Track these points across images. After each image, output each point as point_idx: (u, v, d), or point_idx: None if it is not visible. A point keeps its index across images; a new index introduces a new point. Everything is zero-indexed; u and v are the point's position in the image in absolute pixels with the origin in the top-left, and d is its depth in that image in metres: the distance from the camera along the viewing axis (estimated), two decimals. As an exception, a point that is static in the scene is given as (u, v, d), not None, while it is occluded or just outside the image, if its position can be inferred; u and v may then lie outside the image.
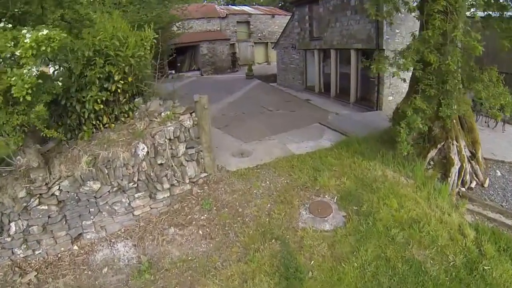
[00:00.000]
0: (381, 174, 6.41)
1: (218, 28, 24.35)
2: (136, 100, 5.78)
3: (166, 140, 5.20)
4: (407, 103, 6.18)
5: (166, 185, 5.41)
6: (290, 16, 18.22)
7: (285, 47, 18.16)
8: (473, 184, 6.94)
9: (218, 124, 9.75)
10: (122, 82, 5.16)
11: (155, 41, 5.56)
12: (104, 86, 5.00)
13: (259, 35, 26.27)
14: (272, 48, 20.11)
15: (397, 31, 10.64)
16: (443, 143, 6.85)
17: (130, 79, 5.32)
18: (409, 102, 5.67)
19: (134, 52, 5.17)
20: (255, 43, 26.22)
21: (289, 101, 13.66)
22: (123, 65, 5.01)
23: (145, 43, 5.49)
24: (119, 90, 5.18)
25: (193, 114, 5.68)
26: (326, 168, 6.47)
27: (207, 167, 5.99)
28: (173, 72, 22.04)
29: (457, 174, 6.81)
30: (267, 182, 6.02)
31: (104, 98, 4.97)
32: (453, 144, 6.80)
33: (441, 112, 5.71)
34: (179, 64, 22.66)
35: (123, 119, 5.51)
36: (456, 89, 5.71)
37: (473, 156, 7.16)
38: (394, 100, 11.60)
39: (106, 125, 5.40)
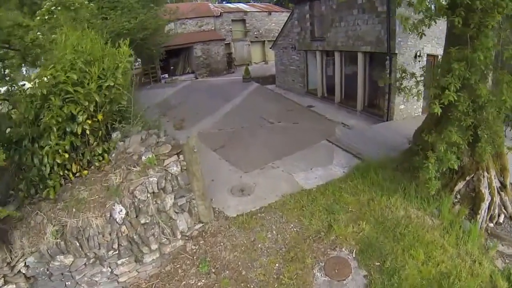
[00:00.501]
0: (404, 215, 5.54)
1: (213, 28, 23.07)
2: (113, 136, 4.81)
3: (149, 195, 4.26)
4: (437, 132, 5.20)
5: (154, 246, 4.49)
6: (289, 14, 17.07)
7: (284, 47, 17.05)
8: (502, 218, 6.15)
9: (214, 144, 8.80)
10: (90, 121, 4.21)
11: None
12: (67, 129, 4.04)
13: (256, 33, 25.02)
14: (270, 48, 19.00)
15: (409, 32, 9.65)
16: (472, 175, 5.97)
17: (100, 116, 4.36)
18: (442, 136, 4.72)
19: (102, 83, 4.19)
20: (251, 42, 24.99)
21: (291, 110, 12.68)
22: (87, 102, 4.03)
23: (120, 64, 4.50)
24: (87, 132, 4.23)
25: (181, 156, 4.71)
26: (341, 208, 5.58)
27: (202, 216, 5.07)
28: (166, 76, 20.90)
29: (486, 210, 5.98)
30: (274, 232, 5.12)
31: (67, 147, 4.00)
32: (483, 176, 5.93)
33: (479, 149, 4.80)
34: (172, 67, 21.48)
35: (97, 163, 4.56)
36: (497, 118, 4.78)
37: (502, 186, 6.32)
38: (406, 108, 10.70)
39: (78, 174, 4.46)
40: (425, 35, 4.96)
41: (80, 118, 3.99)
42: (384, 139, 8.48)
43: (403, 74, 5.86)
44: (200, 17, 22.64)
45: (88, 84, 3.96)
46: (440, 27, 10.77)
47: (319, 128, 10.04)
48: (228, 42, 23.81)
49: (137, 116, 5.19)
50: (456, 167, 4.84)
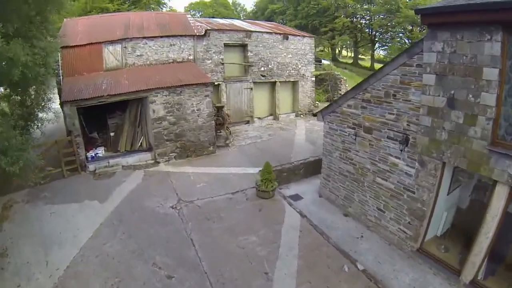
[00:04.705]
0: None
1: (191, 56, 12.76)
2: None
3: None
4: None
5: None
6: (408, 48, 7.49)
7: (363, 126, 7.56)
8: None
9: None
10: None
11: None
12: None
13: (263, 68, 15.22)
14: (314, 114, 9.40)
15: None
16: None
17: None
18: None
19: None
20: (254, 83, 15.07)
21: None
22: None
23: None
24: None
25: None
26: None
27: None
28: (100, 154, 10.05)
29: None
30: None
31: None
32: None
33: None
34: (112, 134, 10.60)
35: None
36: None
37: None
38: None
39: None
40: None
41: None
42: None
43: None
44: (170, 36, 12.25)
45: None
46: None
47: None
48: (217, 83, 13.65)
49: None
50: None
